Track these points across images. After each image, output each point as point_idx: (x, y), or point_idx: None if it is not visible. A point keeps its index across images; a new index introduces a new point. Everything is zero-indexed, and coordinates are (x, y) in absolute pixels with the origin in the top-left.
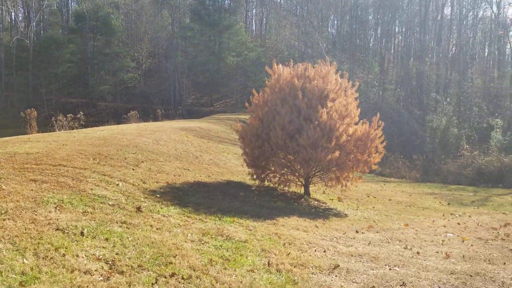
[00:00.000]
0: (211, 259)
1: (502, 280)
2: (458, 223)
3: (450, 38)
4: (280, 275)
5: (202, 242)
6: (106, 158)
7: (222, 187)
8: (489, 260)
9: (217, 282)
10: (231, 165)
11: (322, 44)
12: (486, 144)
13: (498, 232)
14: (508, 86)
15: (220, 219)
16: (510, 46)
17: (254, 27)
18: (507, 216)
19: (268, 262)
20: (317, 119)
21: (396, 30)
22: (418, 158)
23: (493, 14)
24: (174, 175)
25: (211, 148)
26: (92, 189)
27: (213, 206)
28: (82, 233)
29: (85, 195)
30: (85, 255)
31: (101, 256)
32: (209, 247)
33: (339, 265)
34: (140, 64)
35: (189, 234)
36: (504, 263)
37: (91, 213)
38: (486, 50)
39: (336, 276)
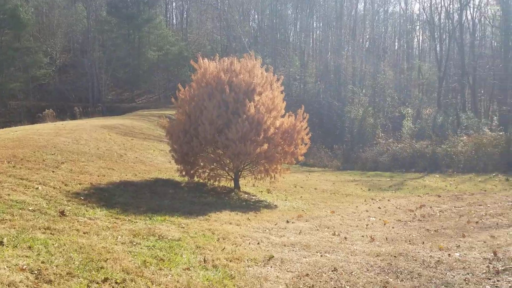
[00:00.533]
0: (144, 261)
1: (423, 258)
2: (379, 207)
3: (364, 33)
4: (216, 271)
5: (134, 243)
6: (22, 161)
7: (150, 185)
8: (409, 241)
9: (152, 284)
10: (158, 162)
11: (245, 38)
12: (399, 132)
13: (415, 214)
14: (416, 77)
15: (150, 219)
16: (417, 40)
17: (175, 21)
18: (422, 198)
19: (204, 258)
20: (245, 113)
21: (314, 25)
22: (339, 148)
23: (401, 9)
24: (98, 176)
25: (135, 146)
26: (9, 194)
27: (142, 205)
28: (1, 243)
29: (1, 201)
30: (7, 266)
31: (25, 266)
32: (141, 248)
33: (273, 256)
34: (54, 60)
35: (119, 236)
36: (423, 242)
37: (10, 221)
38: (396, 44)
39: (271, 267)
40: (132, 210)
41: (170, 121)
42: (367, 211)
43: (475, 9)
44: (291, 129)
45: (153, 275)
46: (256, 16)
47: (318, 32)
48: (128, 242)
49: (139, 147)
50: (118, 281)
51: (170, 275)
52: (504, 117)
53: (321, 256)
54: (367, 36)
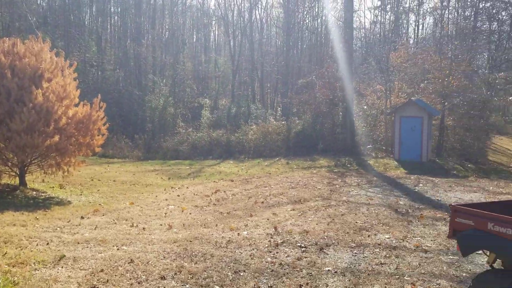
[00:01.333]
0: None
1: (216, 240)
2: (178, 195)
3: (163, 23)
4: None
5: None
6: None
7: None
8: (204, 225)
9: None
10: None
11: (32, 17)
12: (198, 122)
13: (210, 199)
14: (213, 69)
15: None
16: (214, 34)
17: None
18: (217, 183)
19: None
20: (31, 101)
21: (112, 10)
22: (140, 138)
23: (198, 3)
24: None
25: None
26: None
27: None
28: None
29: None
30: None
31: None
32: None
33: (65, 255)
34: None
35: None
36: (216, 225)
37: None
38: (195, 36)
39: (62, 267)
40: None
41: None
42: (166, 199)
43: (263, 10)
44: (87, 119)
45: None
46: None
47: (116, 17)
48: None
49: None
50: None
51: None
52: (285, 108)
53: (118, 249)
54: (167, 27)
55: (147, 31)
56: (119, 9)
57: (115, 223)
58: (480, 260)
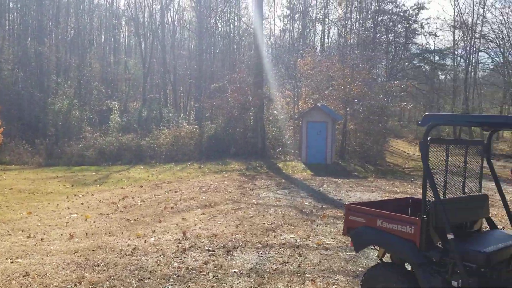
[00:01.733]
0: None
1: (121, 248)
2: (82, 203)
3: (68, 21)
4: None
5: None
6: None
7: None
8: (109, 233)
9: None
10: None
11: None
12: (106, 126)
13: (117, 206)
14: (123, 71)
15: None
16: (123, 35)
17: None
18: (125, 190)
19: None
20: None
21: (11, 5)
22: (41, 142)
23: (107, 2)
24: None
25: None
26: None
27: None
28: None
29: None
30: None
31: None
32: None
33: None
34: None
35: None
36: (122, 233)
37: None
38: (103, 37)
39: None
40: None
41: None
42: (68, 208)
43: (175, 13)
44: None
45: None
46: None
47: (15, 14)
48: None
49: None
50: None
51: None
52: (199, 112)
53: (12, 262)
54: (72, 26)
55: (50, 29)
56: (18, 5)
57: (9, 234)
58: (375, 255)
